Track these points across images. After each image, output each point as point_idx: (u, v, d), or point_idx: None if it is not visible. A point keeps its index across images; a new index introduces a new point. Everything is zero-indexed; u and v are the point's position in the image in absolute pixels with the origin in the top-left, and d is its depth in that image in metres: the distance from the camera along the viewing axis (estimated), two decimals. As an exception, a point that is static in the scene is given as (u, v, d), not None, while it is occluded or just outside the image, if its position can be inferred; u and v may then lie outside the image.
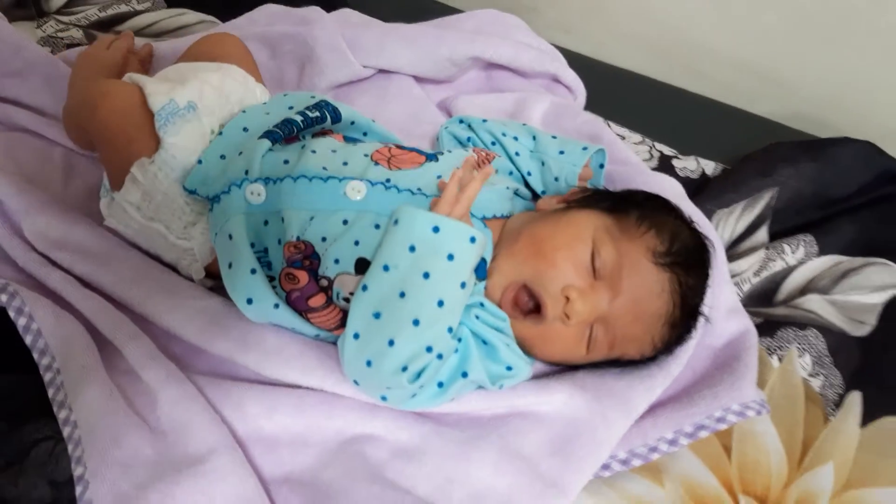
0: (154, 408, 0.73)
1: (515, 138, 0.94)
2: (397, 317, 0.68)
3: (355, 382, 0.73)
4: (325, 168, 0.77)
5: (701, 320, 0.80)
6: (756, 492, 0.80)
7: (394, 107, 1.08)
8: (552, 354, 0.79)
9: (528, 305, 0.76)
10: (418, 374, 0.69)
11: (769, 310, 0.95)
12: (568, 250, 0.75)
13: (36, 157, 1.00)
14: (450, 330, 0.70)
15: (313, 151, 0.79)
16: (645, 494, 0.77)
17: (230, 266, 0.75)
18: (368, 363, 0.69)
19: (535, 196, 0.92)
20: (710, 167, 1.11)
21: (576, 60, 1.18)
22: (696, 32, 1.29)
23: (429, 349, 0.69)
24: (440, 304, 0.69)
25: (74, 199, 0.96)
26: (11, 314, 0.76)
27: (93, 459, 0.67)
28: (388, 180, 0.77)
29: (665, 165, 1.10)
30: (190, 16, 1.25)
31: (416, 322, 0.68)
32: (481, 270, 0.77)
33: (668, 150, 1.13)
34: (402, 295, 0.69)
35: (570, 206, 0.82)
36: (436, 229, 0.70)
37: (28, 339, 0.75)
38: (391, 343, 0.68)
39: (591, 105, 1.16)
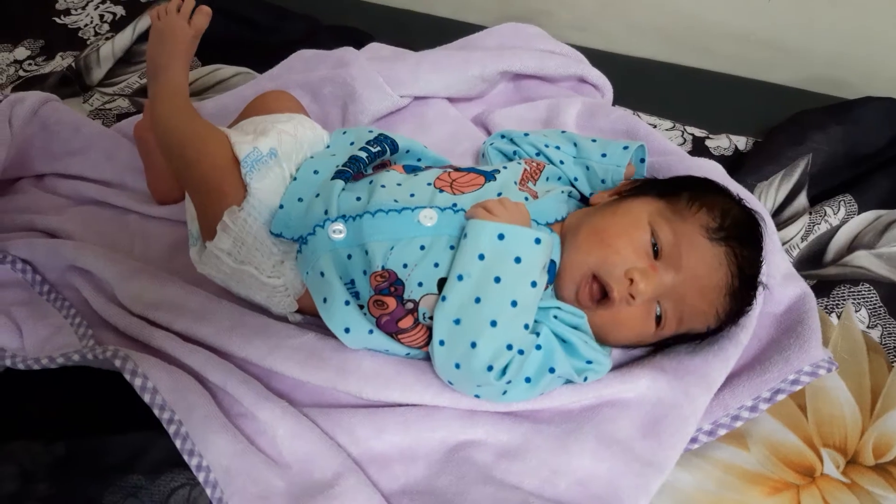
0: (275, 443, 0.79)
1: (557, 147, 0.99)
2: (476, 320, 0.74)
3: (450, 383, 0.79)
4: (396, 200, 0.83)
5: (760, 289, 0.85)
6: (835, 443, 0.85)
7: (434, 130, 1.13)
8: (626, 337, 0.84)
9: (598, 295, 0.81)
10: (503, 371, 0.75)
11: (821, 271, 1.00)
12: (627, 236, 0.81)
13: (112, 227, 1.07)
14: (526, 327, 0.76)
15: (382, 186, 0.85)
16: (733, 460, 0.83)
17: (325, 301, 0.81)
18: (457, 366, 0.75)
19: (584, 199, 0.97)
20: (741, 142, 1.16)
21: (594, 57, 1.23)
22: (703, 11, 1.33)
23: (509, 347, 0.74)
24: (514, 304, 0.75)
25: (156, 260, 1.02)
26: (127, 377, 0.82)
27: (234, 498, 0.74)
28: (454, 205, 0.82)
29: (699, 147, 1.15)
30: (226, 70, 1.31)
31: (493, 323, 0.74)
32: (552, 274, 0.83)
33: (699, 132, 1.17)
34: (478, 300, 0.75)
35: (623, 197, 0.87)
36: (501, 236, 0.76)
37: (147, 398, 0.81)
38: (473, 345, 0.74)
39: (618, 98, 1.21)
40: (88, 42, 1.39)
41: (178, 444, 0.78)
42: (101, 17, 1.44)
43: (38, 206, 1.09)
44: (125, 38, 1.35)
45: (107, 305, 0.94)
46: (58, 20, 1.44)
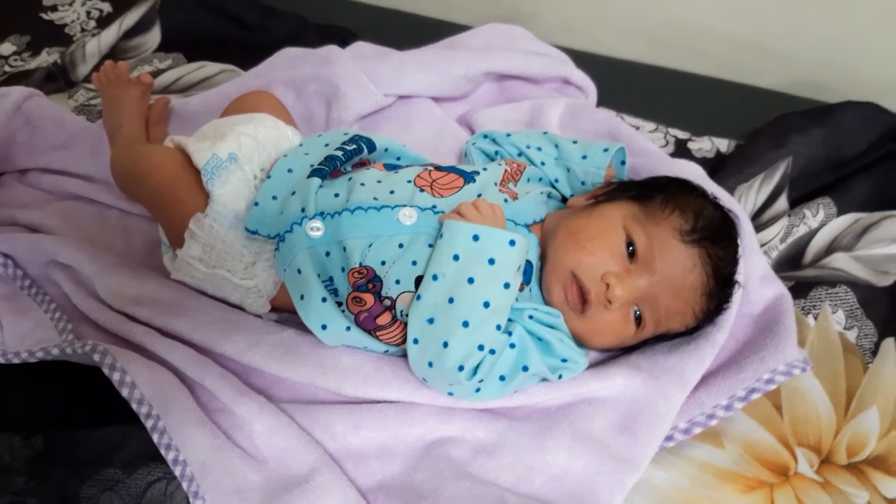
0: (252, 438, 0.79)
1: (539, 149, 0.99)
2: (448, 320, 0.75)
3: (424, 381, 0.80)
4: (375, 198, 0.83)
5: (737, 287, 0.85)
6: (810, 442, 0.85)
7: (418, 129, 1.14)
8: (606, 341, 0.85)
9: (580, 301, 0.81)
10: (474, 370, 0.76)
11: (799, 273, 1.01)
12: (602, 239, 0.82)
13: (94, 222, 1.07)
14: (498, 327, 0.77)
15: (362, 184, 0.85)
16: (708, 458, 0.84)
17: (302, 298, 0.81)
18: (430, 364, 0.76)
19: (565, 199, 0.98)
20: (723, 145, 1.17)
21: (581, 59, 1.24)
22: (690, 14, 1.34)
23: (480, 347, 0.75)
24: (486, 305, 0.75)
25: (136, 255, 1.02)
26: (105, 371, 0.82)
27: (210, 491, 0.74)
28: (434, 206, 0.83)
29: (681, 149, 1.16)
30: (210, 67, 1.31)
31: (465, 324, 0.75)
32: (528, 274, 0.83)
33: (682, 134, 1.18)
34: (451, 300, 0.75)
35: (599, 201, 0.88)
36: (476, 237, 0.77)
37: (125, 392, 0.81)
38: (445, 345, 0.75)
39: (602, 100, 1.21)
40: (75, 38, 1.39)
41: (155, 438, 0.78)
42: (88, 13, 1.44)
43: (20, 200, 1.09)
44: (111, 34, 1.35)
45: (87, 300, 0.94)
46: (44, 16, 1.44)
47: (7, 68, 1.33)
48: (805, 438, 0.86)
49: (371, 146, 0.95)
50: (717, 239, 0.81)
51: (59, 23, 1.42)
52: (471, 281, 0.76)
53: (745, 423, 0.86)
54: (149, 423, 0.79)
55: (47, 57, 1.35)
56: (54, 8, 1.46)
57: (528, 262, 0.83)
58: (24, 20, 1.42)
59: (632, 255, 0.81)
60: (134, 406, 0.80)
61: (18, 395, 0.88)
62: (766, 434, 0.86)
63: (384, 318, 0.81)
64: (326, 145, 0.93)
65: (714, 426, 0.83)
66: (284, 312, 0.91)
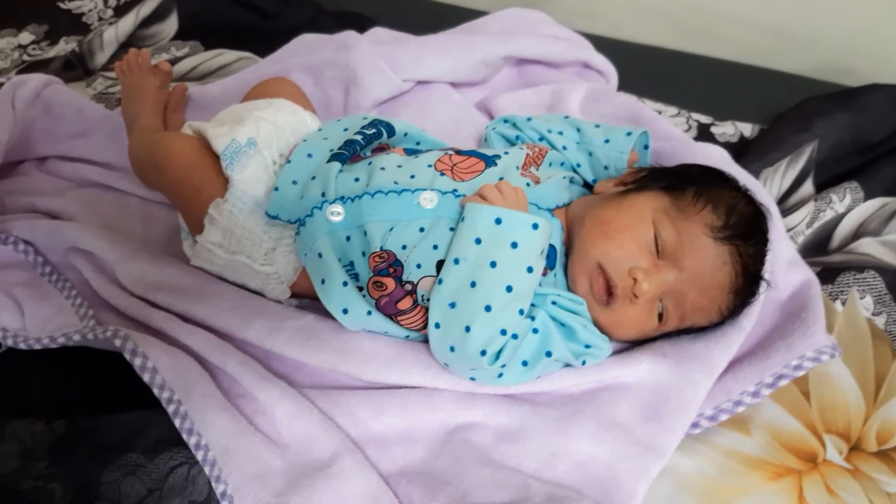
0: (274, 423, 0.79)
1: (560, 133, 0.98)
2: (470, 305, 0.74)
3: (446, 365, 0.79)
4: (396, 182, 0.83)
5: (763, 284, 0.84)
6: (838, 429, 0.84)
7: (437, 115, 1.13)
8: (628, 334, 0.84)
9: (606, 294, 0.80)
10: (497, 355, 0.75)
11: (826, 258, 0.99)
12: (631, 232, 0.80)
13: (114, 209, 1.07)
14: (521, 312, 0.76)
15: (382, 168, 0.84)
16: (735, 445, 0.82)
17: (323, 282, 0.81)
18: (452, 349, 0.76)
19: (587, 184, 0.97)
20: (747, 129, 1.15)
21: (602, 44, 1.22)
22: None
23: (503, 332, 0.74)
24: (509, 289, 0.74)
25: (157, 242, 1.02)
26: (127, 356, 0.82)
27: (233, 476, 0.73)
28: (455, 190, 0.82)
29: (704, 133, 1.14)
30: (228, 55, 1.31)
31: (487, 308, 0.74)
32: (552, 259, 0.82)
33: (704, 119, 1.17)
34: (473, 284, 0.75)
35: (628, 189, 0.86)
36: (498, 221, 0.76)
37: (146, 378, 0.81)
38: (467, 329, 0.74)
39: (624, 85, 1.20)
40: (92, 27, 1.39)
41: (177, 423, 0.78)
42: (105, 1, 1.44)
43: (40, 188, 1.09)
44: (128, 22, 1.35)
45: (108, 286, 0.93)
46: (62, 5, 1.44)
47: (26, 57, 1.34)
48: (834, 425, 0.84)
49: (391, 130, 0.94)
50: (748, 236, 0.80)
51: (76, 12, 1.43)
52: (493, 265, 0.75)
53: (772, 410, 0.85)
54: (170, 409, 0.79)
55: (65, 46, 1.35)
56: (72, -3, 1.46)
57: (552, 247, 0.82)
58: (42, 9, 1.43)
59: (659, 249, 0.80)
60: (155, 391, 0.80)
61: (40, 380, 0.89)
62: (794, 421, 0.85)
63: (405, 303, 0.80)
64: (346, 130, 0.92)
65: (741, 413, 0.82)
66: (305, 298, 0.90)
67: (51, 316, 0.92)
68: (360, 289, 0.82)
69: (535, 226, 0.76)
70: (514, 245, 0.75)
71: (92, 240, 0.96)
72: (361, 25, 1.28)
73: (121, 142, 1.10)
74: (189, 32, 1.35)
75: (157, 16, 1.37)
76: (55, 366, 0.89)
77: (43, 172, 1.12)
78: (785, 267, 0.91)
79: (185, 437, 0.77)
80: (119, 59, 1.15)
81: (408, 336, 0.83)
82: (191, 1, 1.39)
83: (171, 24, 1.37)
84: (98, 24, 1.40)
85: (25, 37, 1.37)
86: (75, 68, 1.30)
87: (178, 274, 0.92)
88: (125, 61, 1.13)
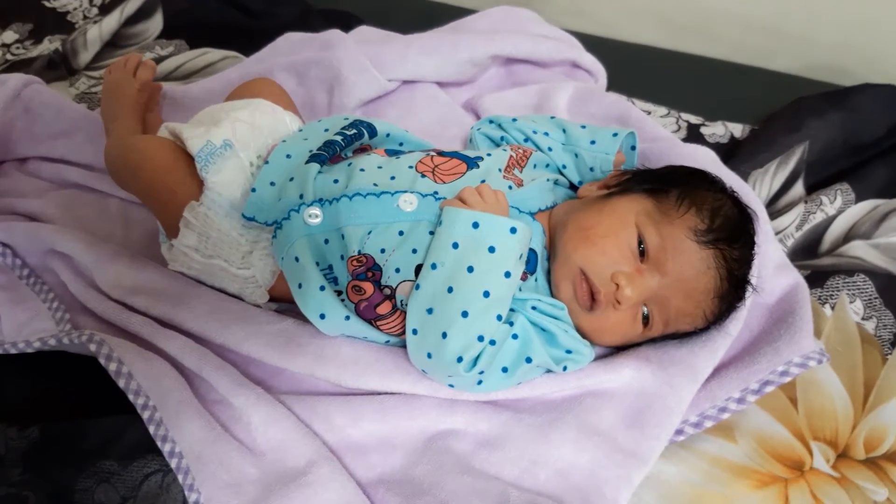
0: (249, 430, 0.77)
1: (546, 134, 0.96)
2: (447, 310, 0.73)
3: (424, 372, 0.78)
4: (375, 184, 0.81)
5: (749, 289, 0.82)
6: (826, 436, 0.83)
7: (422, 115, 1.11)
8: (611, 339, 0.83)
9: (590, 300, 0.79)
10: (474, 362, 0.73)
11: (815, 261, 0.97)
12: (613, 236, 0.79)
13: (93, 211, 1.05)
14: (499, 318, 0.74)
15: (362, 170, 0.83)
16: (720, 452, 0.81)
17: (300, 286, 0.79)
18: (429, 355, 0.74)
19: (573, 186, 0.95)
20: (737, 130, 1.13)
21: (592, 43, 1.21)
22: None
23: (480, 338, 0.73)
24: (486, 294, 0.73)
25: (136, 244, 1.01)
26: (102, 361, 0.81)
27: (206, 485, 0.72)
28: (435, 192, 0.81)
29: (694, 134, 1.13)
30: (213, 54, 1.29)
31: (464, 314, 0.72)
32: (532, 263, 0.81)
33: (694, 119, 1.15)
34: (450, 290, 0.73)
35: (612, 192, 0.85)
36: (475, 225, 0.74)
37: (121, 383, 0.79)
38: (444, 335, 0.72)
39: (613, 85, 1.19)
40: (77, 25, 1.37)
41: (151, 429, 0.77)
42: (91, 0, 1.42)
43: (20, 189, 1.08)
44: (112, 21, 1.34)
45: (85, 290, 0.92)
46: (47, 3, 1.41)
47: (9, 56, 1.32)
48: (821, 432, 0.83)
49: (372, 131, 0.92)
50: (733, 239, 0.78)
51: (61, 10, 1.41)
52: (470, 270, 0.73)
53: (758, 417, 0.84)
54: (145, 415, 0.78)
55: (49, 45, 1.33)
56: (57, -6, 1.44)
57: (533, 251, 0.81)
58: (26, 8, 1.41)
59: (643, 253, 0.78)
60: (130, 397, 0.79)
61: (15, 385, 0.87)
62: (781, 428, 0.83)
63: (384, 308, 0.79)
64: (326, 130, 0.91)
65: (726, 419, 0.80)
66: (284, 302, 0.89)
67: (27, 320, 0.91)
68: (339, 293, 0.80)
69: (514, 230, 0.75)
70: (492, 249, 0.74)
71: (70, 242, 0.94)
72: (349, 24, 1.26)
73: (101, 143, 1.08)
74: (174, 31, 1.33)
75: (142, 13, 1.36)
76: (32, 370, 0.88)
77: (23, 173, 1.11)
78: (773, 270, 0.89)
79: (159, 444, 0.76)
80: (102, 58, 1.13)
81: (387, 341, 0.82)
82: (176, -1, 1.38)
83: (156, 23, 1.35)
84: (83, 22, 1.38)
85: (9, 35, 1.36)
86: (59, 68, 1.28)
87: (157, 277, 0.91)
88: (114, 64, 1.11)
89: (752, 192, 0.93)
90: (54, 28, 1.37)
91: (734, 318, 0.83)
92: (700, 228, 0.77)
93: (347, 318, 0.79)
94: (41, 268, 0.98)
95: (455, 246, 0.74)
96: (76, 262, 0.95)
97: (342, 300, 0.80)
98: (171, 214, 0.86)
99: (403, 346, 0.80)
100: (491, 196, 0.78)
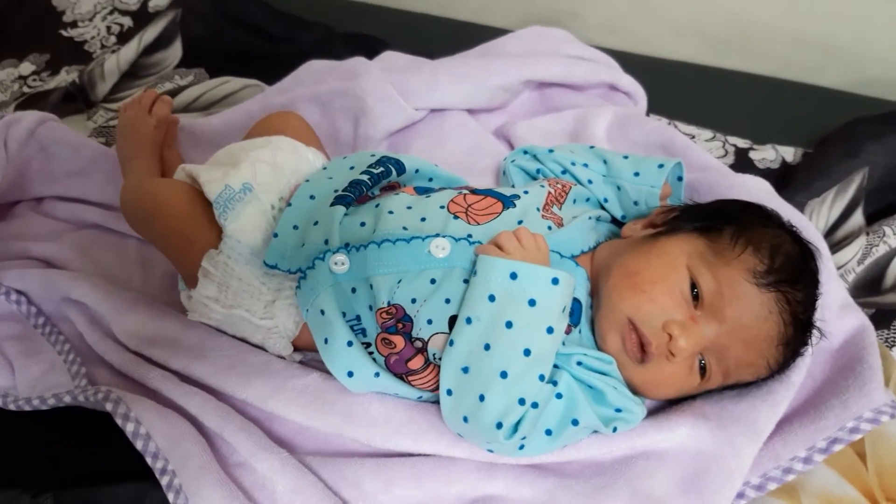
0: (274, 498, 0.72)
1: (585, 165, 0.91)
2: (485, 370, 0.68)
3: (460, 435, 0.72)
4: (405, 228, 0.76)
5: (814, 332, 0.76)
6: (901, 496, 0.76)
7: (451, 145, 1.07)
8: (666, 393, 0.77)
9: (640, 352, 0.73)
10: (515, 427, 0.68)
11: (879, 298, 0.91)
12: (663, 282, 0.73)
13: (111, 254, 1.02)
14: (542, 378, 0.69)
15: (390, 212, 0.78)
16: (785, 517, 0.74)
17: (326, 341, 0.74)
18: (465, 419, 0.69)
19: (616, 221, 0.89)
20: (789, 154, 1.07)
21: (627, 60, 1.16)
22: (748, 9, 1.25)
23: (521, 401, 0.67)
24: (527, 352, 0.67)
25: (156, 288, 0.97)
26: (118, 421, 0.76)
27: (228, 561, 0.67)
28: (469, 235, 0.75)
29: (742, 160, 1.06)
30: (233, 83, 1.25)
31: (503, 374, 0.67)
32: (576, 315, 0.75)
33: (741, 143, 1.09)
34: (487, 347, 0.68)
35: (659, 232, 0.79)
36: (513, 276, 0.69)
37: (139, 445, 0.75)
38: (482, 398, 0.67)
39: (652, 105, 1.13)
40: (94, 55, 1.34)
41: (170, 497, 0.72)
42: (108, 28, 1.39)
43: (35, 231, 1.04)
44: (130, 50, 1.30)
45: (102, 341, 0.88)
46: (64, 33, 1.39)
47: (26, 89, 1.29)
48: (894, 492, 0.76)
49: (400, 168, 0.87)
50: (795, 280, 0.72)
51: (78, 39, 1.38)
52: (509, 325, 0.68)
53: (824, 475, 0.77)
54: (164, 480, 0.73)
55: (66, 76, 1.30)
56: (74, 24, 1.41)
57: (577, 301, 0.75)
58: (43, 38, 1.38)
59: (696, 299, 0.72)
60: (149, 459, 0.75)
61: (28, 444, 0.83)
62: (849, 487, 0.76)
63: (416, 362, 0.74)
64: (352, 168, 0.86)
65: (790, 480, 0.74)
66: (309, 352, 0.84)
67: (42, 374, 0.87)
68: (368, 345, 0.75)
69: (556, 280, 0.69)
70: (532, 303, 0.68)
71: (86, 290, 0.90)
72: (373, 48, 1.21)
73: (119, 181, 1.04)
74: (194, 59, 1.30)
75: (160, 42, 1.32)
76: (46, 427, 0.83)
77: (39, 214, 1.07)
78: (837, 311, 0.83)
79: (178, 514, 0.72)
80: (121, 89, 1.09)
81: (420, 397, 0.77)
82: (195, 25, 1.34)
83: (174, 51, 1.31)
84: (101, 51, 1.35)
85: (26, 67, 1.33)
86: (76, 100, 1.25)
87: (176, 327, 0.86)
88: (129, 101, 1.08)
89: (812, 225, 0.87)
90: (71, 58, 1.34)
91: (796, 367, 0.77)
92: (759, 270, 0.71)
93: (377, 374, 0.74)
94: (57, 316, 0.94)
95: (492, 299, 0.69)
96: (93, 312, 0.91)
97: (371, 354, 0.75)
98: (189, 263, 0.82)
99: (437, 401, 0.75)
100: (530, 241, 0.72)
